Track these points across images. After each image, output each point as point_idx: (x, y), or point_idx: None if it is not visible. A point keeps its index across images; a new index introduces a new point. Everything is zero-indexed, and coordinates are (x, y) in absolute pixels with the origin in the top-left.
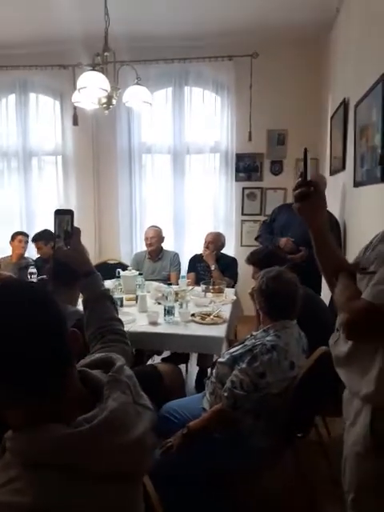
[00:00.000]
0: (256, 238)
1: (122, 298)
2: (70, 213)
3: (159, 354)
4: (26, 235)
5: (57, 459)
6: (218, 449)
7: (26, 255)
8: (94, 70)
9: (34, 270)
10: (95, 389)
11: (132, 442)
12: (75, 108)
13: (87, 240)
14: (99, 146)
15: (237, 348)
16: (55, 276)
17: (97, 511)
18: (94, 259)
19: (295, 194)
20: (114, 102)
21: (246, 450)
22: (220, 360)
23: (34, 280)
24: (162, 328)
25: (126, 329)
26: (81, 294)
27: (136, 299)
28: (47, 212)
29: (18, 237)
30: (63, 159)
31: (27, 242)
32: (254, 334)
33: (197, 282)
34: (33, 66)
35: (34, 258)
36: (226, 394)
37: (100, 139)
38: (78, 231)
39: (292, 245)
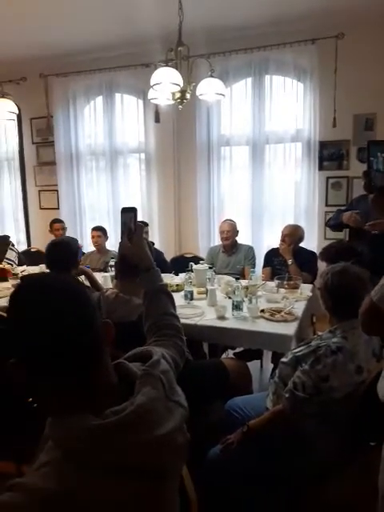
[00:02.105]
0: (326, 223)
1: (193, 291)
2: (133, 210)
3: (233, 348)
4: (99, 229)
5: (81, 449)
6: (278, 450)
7: (110, 248)
8: (167, 65)
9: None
10: (131, 382)
11: (159, 439)
12: (157, 105)
13: (167, 234)
14: (179, 142)
15: (301, 348)
16: (121, 269)
17: (117, 505)
18: (174, 253)
19: (363, 185)
20: (187, 96)
21: (309, 455)
22: (283, 360)
23: (113, 272)
24: (230, 323)
25: (194, 322)
26: None
27: (206, 293)
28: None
29: (93, 232)
30: (146, 156)
31: (100, 236)
32: (320, 334)
33: (272, 277)
34: (118, 67)
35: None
36: (286, 396)
37: (180, 135)
38: (140, 228)
39: (356, 219)
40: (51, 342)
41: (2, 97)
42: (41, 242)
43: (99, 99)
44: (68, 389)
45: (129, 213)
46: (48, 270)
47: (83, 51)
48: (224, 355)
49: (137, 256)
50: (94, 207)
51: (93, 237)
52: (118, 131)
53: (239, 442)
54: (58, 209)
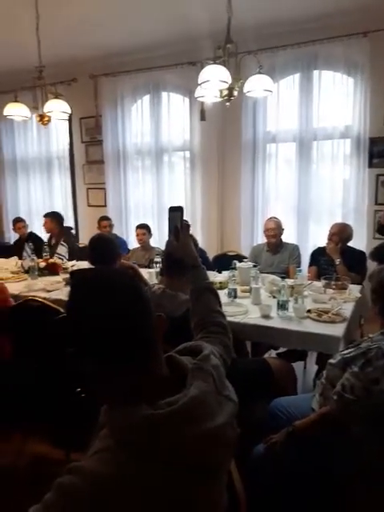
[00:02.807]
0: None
1: (236, 289)
2: (180, 210)
3: (276, 348)
4: (144, 227)
5: (135, 438)
6: (324, 452)
7: (154, 245)
8: (215, 63)
9: (159, 260)
10: (181, 374)
11: (209, 432)
12: (202, 103)
13: (210, 232)
14: (224, 139)
15: (350, 350)
16: (167, 266)
17: (167, 495)
18: (216, 251)
19: None
20: (235, 93)
21: (357, 459)
22: (331, 361)
23: (158, 269)
24: (275, 322)
25: (237, 320)
26: None
27: (250, 291)
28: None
29: (138, 230)
30: (191, 154)
31: (144, 233)
32: (371, 336)
33: (319, 277)
34: (164, 66)
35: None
36: (335, 398)
37: (225, 132)
38: (186, 227)
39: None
40: (112, 332)
41: (56, 97)
42: (89, 238)
43: (146, 98)
44: (125, 378)
45: (176, 212)
46: (91, 265)
47: (131, 51)
48: (266, 354)
49: (183, 254)
50: (139, 205)
51: (137, 234)
52: (163, 130)
53: (284, 442)
54: (105, 206)
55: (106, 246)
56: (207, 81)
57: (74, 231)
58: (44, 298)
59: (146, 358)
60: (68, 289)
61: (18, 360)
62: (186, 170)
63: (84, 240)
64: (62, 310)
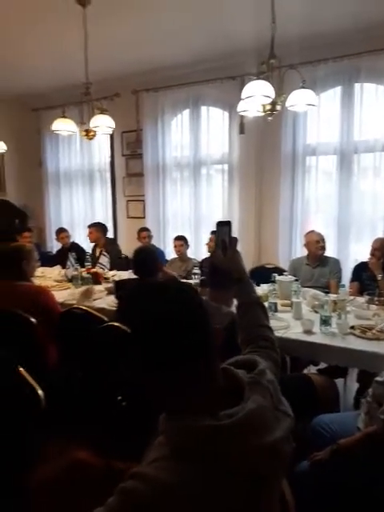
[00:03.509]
0: None
1: (276, 303)
2: (228, 224)
3: (315, 364)
4: (181, 238)
5: (198, 448)
6: (369, 471)
7: (191, 256)
8: (258, 78)
9: (198, 271)
10: (237, 387)
11: (267, 446)
12: (242, 117)
13: (247, 244)
14: (263, 152)
15: None
16: (211, 279)
17: (223, 506)
18: (253, 263)
19: None
20: (278, 107)
21: None
22: (377, 379)
23: (197, 280)
24: (317, 338)
25: (279, 334)
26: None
27: (291, 305)
28: (212, 218)
29: (175, 241)
30: (229, 167)
31: (182, 244)
32: None
33: (361, 292)
34: (205, 80)
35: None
36: (382, 417)
37: (264, 145)
38: (234, 240)
39: None
40: (178, 343)
41: (102, 113)
42: (128, 249)
43: (186, 112)
44: (187, 389)
45: (224, 226)
46: (135, 275)
47: (173, 67)
48: (305, 370)
49: (231, 267)
50: (177, 216)
51: (175, 245)
52: (202, 143)
53: (328, 459)
54: (144, 218)
55: (148, 258)
56: (251, 96)
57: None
58: (88, 307)
59: (206, 368)
60: (110, 298)
61: (62, 367)
62: (223, 182)
63: (123, 251)
64: (105, 319)
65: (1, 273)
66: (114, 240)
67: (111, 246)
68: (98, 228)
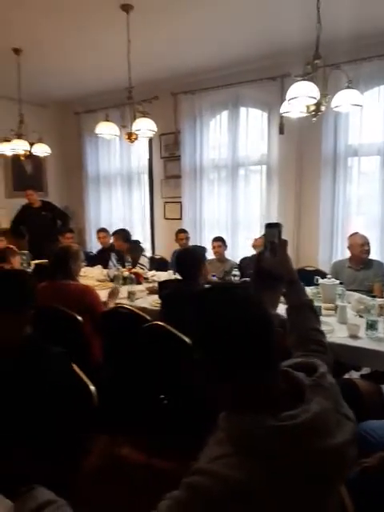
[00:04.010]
0: None
1: (320, 306)
2: (277, 226)
3: (357, 369)
4: (219, 240)
5: (262, 447)
6: None
7: (229, 257)
8: (303, 79)
9: (238, 273)
10: (296, 389)
11: (330, 448)
12: (282, 117)
13: None
14: (303, 153)
15: None
16: (257, 281)
17: (290, 503)
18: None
19: None
20: (322, 108)
21: None
22: None
23: (237, 281)
24: (363, 342)
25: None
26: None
27: (335, 309)
28: (249, 220)
29: (214, 242)
30: (267, 168)
31: (220, 246)
32: None
33: None
34: (244, 82)
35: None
36: None
37: (304, 146)
38: (284, 242)
39: None
40: (247, 344)
41: (144, 116)
42: (164, 250)
43: (225, 113)
44: (250, 387)
45: (273, 228)
46: (179, 276)
47: (212, 69)
48: (346, 375)
49: (281, 269)
50: (214, 218)
51: (214, 246)
52: (240, 144)
53: (377, 466)
54: (181, 219)
55: (192, 259)
56: (295, 97)
57: (143, 245)
58: (131, 306)
59: (269, 370)
60: (152, 297)
61: (106, 365)
62: (262, 183)
63: (160, 251)
64: (148, 318)
65: (51, 272)
66: (138, 243)
67: (135, 251)
68: (118, 235)
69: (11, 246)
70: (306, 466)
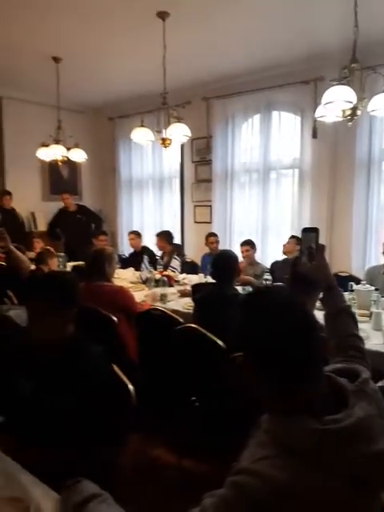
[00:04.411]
0: None
1: (355, 313)
2: (315, 231)
3: None
4: (248, 243)
5: (306, 449)
6: None
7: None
8: (340, 83)
9: (269, 277)
10: (339, 395)
11: (373, 454)
12: (315, 121)
13: None
14: (337, 157)
15: None
16: (293, 286)
17: (334, 506)
18: None
19: None
20: (358, 112)
21: None
22: None
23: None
24: None
25: None
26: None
27: (369, 315)
28: (280, 224)
29: (243, 247)
30: (299, 172)
31: (248, 249)
32: None
33: None
34: (276, 86)
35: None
36: None
37: (338, 149)
38: (322, 248)
39: None
40: (290, 345)
41: (178, 121)
42: (194, 253)
43: (257, 117)
44: (295, 390)
45: (310, 233)
46: (212, 280)
47: (244, 73)
48: (380, 383)
49: (319, 274)
50: (243, 221)
51: (242, 251)
52: (272, 148)
53: None
54: (210, 223)
55: (227, 263)
56: (332, 102)
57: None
58: (163, 308)
59: (314, 374)
60: (184, 300)
61: (140, 365)
62: (293, 187)
63: (190, 255)
64: (181, 320)
65: (87, 274)
66: (181, 245)
67: (179, 252)
68: (163, 237)
69: (49, 248)
70: (349, 470)
